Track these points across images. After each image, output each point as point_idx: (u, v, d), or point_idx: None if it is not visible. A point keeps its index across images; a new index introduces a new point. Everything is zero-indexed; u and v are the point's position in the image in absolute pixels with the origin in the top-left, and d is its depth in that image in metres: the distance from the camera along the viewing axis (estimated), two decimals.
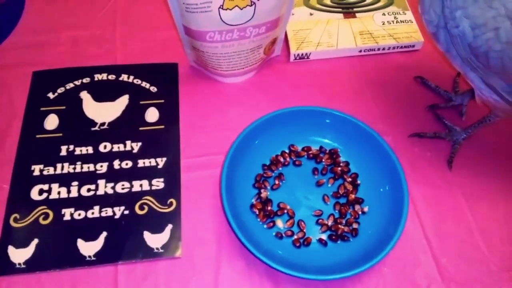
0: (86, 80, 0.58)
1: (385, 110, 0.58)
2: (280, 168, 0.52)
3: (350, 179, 0.50)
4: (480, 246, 0.48)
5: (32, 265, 0.45)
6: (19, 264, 0.45)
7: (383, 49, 0.62)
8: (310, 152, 0.52)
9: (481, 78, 0.45)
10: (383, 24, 0.64)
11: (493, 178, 0.53)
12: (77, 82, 0.58)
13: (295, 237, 0.47)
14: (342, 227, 0.47)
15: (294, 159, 0.52)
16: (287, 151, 0.52)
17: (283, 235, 0.47)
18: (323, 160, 0.52)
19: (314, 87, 0.60)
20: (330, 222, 0.48)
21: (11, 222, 0.47)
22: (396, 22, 0.64)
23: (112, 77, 0.59)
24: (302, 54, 0.61)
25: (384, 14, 0.65)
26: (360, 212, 0.48)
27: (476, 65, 0.43)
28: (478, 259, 0.47)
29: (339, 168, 0.51)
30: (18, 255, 0.45)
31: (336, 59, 0.62)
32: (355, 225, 0.47)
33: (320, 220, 0.48)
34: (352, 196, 0.49)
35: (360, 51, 0.62)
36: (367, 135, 0.50)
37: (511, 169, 0.53)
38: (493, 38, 0.39)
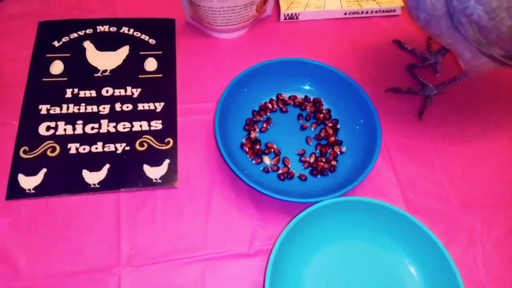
0: (89, 31, 0.62)
1: (365, 68, 0.63)
2: (269, 114, 0.57)
3: (331, 124, 0.56)
4: (444, 185, 0.54)
5: (41, 191, 0.49)
6: (29, 189, 0.49)
7: (367, 12, 0.67)
8: (296, 100, 0.57)
9: (479, 50, 0.48)
10: None
11: (458, 128, 0.58)
12: (81, 33, 0.62)
13: (280, 171, 0.52)
14: (322, 164, 0.52)
15: (281, 106, 0.57)
16: (275, 98, 0.57)
17: (270, 169, 0.52)
18: (308, 107, 0.57)
19: (301, 45, 0.64)
20: (311, 160, 0.53)
21: (21, 154, 0.51)
22: None
23: (113, 29, 0.63)
24: (292, 14, 0.66)
25: None
26: (338, 152, 0.54)
27: (481, 42, 0.46)
28: (442, 196, 0.53)
29: (322, 115, 0.56)
30: (28, 182, 0.50)
31: (324, 21, 0.67)
32: (333, 162, 0.53)
33: (303, 158, 0.53)
34: (332, 138, 0.55)
35: (346, 13, 0.67)
36: (346, 84, 0.56)
37: (473, 121, 0.59)
38: (505, 17, 0.43)
